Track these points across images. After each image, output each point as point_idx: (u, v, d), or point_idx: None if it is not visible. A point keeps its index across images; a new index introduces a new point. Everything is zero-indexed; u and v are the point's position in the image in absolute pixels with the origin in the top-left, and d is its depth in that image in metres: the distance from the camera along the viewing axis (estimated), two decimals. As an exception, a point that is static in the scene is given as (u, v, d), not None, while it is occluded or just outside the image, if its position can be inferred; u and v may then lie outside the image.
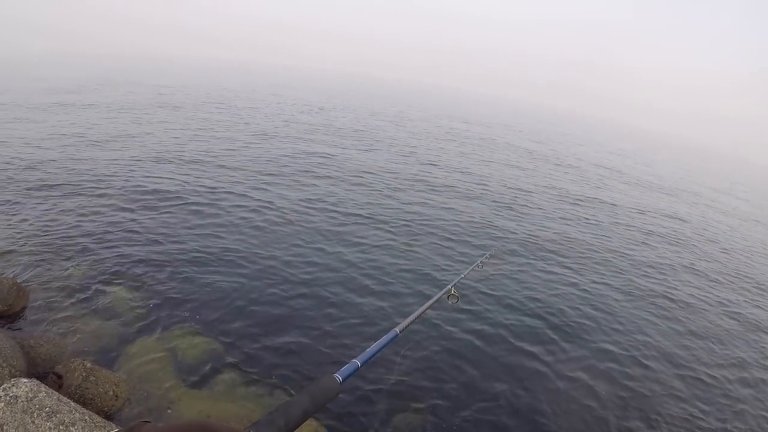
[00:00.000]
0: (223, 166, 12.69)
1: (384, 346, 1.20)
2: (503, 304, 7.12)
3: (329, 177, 13.09)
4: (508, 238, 10.14)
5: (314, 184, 12.13)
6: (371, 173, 14.31)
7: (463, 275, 2.95)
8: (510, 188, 15.47)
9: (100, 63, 59.01)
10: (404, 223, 10.09)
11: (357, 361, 1.02)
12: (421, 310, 1.68)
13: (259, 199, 10.21)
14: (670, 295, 8.74)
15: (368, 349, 1.12)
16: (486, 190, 14.61)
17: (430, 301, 1.86)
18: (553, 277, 8.43)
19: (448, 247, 9.00)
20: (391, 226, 9.74)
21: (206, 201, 9.62)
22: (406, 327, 1.46)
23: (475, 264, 3.69)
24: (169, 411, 4.31)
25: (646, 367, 6.28)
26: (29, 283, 5.86)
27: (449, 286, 2.31)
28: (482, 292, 7.30)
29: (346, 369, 0.97)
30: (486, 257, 4.32)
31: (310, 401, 0.80)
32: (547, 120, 76.27)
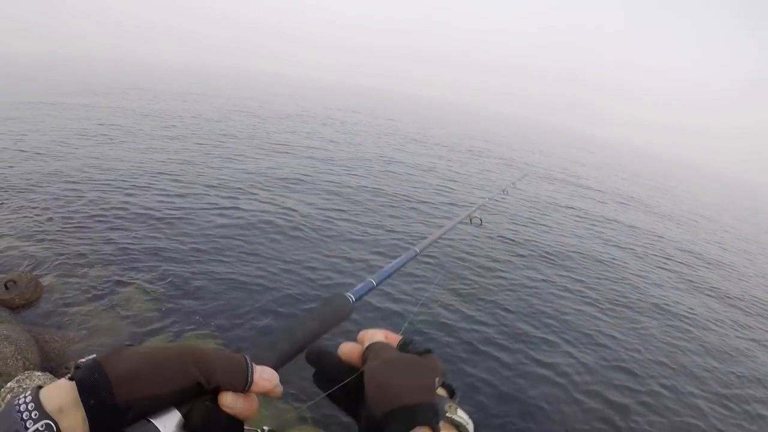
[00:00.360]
0: (249, 173, 12.79)
1: (402, 265, 1.11)
2: (521, 317, 6.99)
3: (350, 187, 13.11)
4: (525, 255, 10.00)
5: (337, 194, 12.15)
6: (392, 186, 14.32)
7: (488, 198, 2.79)
8: (531, 207, 15.33)
9: (106, 67, 60.37)
10: (423, 235, 10.02)
11: (372, 280, 0.93)
12: (441, 231, 1.58)
13: (283, 206, 10.22)
14: (688, 319, 8.54)
15: (385, 269, 1.03)
16: (505, 207, 14.48)
17: (452, 223, 1.74)
18: (571, 295, 8.27)
19: (471, 256, 8.92)
20: (413, 238, 9.71)
21: (230, 205, 9.67)
22: (426, 247, 1.37)
23: (501, 190, 3.63)
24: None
25: (666, 385, 6.14)
26: (48, 279, 5.89)
27: (474, 208, 2.18)
28: (501, 306, 7.16)
29: (360, 288, 0.87)
30: (512, 184, 4.24)
31: (318, 321, 0.72)
32: (556, 140, 76.17)
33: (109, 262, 6.58)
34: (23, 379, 3.13)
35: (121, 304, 5.68)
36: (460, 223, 1.93)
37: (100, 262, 6.54)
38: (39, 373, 3.24)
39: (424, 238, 1.47)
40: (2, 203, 8.07)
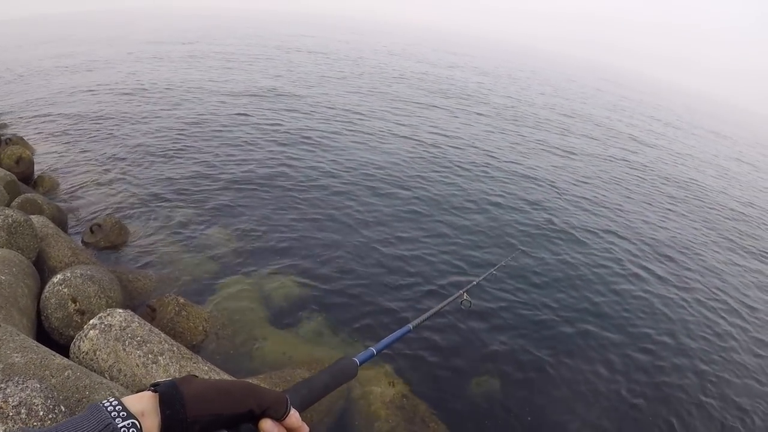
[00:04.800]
0: (347, 122, 12.57)
1: (397, 338, 1.34)
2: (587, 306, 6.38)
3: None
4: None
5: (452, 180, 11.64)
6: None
7: (475, 282, 2.87)
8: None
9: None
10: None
11: (373, 349, 1.14)
12: (433, 310, 1.76)
13: (352, 159, 10.00)
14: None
15: (383, 340, 1.25)
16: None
17: (443, 304, 1.94)
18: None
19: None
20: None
21: (319, 160, 9.51)
22: (419, 324, 1.55)
23: (492, 269, 3.61)
24: (255, 347, 4.32)
25: None
26: (132, 222, 6.18)
27: (461, 292, 2.34)
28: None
29: (363, 354, 1.09)
30: (504, 263, 4.26)
31: (330, 378, 0.88)
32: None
33: (191, 206, 6.80)
34: (105, 316, 3.22)
35: (201, 245, 5.86)
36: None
37: (181, 206, 6.78)
38: (120, 311, 3.33)
39: (420, 314, 1.64)
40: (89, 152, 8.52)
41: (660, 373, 5.03)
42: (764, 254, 8.94)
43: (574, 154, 13.29)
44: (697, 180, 13.82)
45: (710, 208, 11.15)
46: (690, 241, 8.58)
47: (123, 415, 0.51)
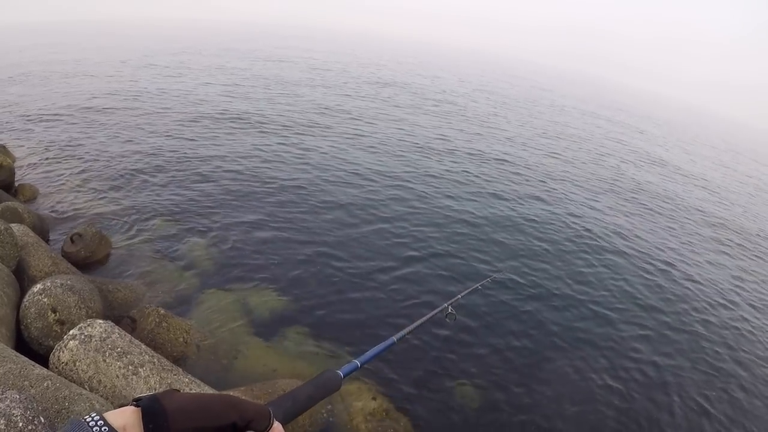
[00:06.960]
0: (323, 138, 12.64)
1: (381, 351, 1.34)
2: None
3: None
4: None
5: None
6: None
7: (460, 296, 2.91)
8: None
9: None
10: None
11: (357, 362, 1.16)
12: (418, 323, 1.80)
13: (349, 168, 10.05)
14: None
15: (368, 353, 1.26)
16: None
17: (428, 316, 1.96)
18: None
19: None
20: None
21: (302, 178, 9.59)
22: (402, 337, 1.57)
23: (477, 284, 3.70)
24: (237, 359, 4.31)
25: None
26: (113, 232, 6.13)
27: (446, 305, 2.38)
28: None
29: (347, 366, 1.10)
30: (489, 280, 4.38)
31: (314, 390, 0.89)
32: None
33: (173, 219, 6.77)
34: (85, 327, 3.21)
35: (184, 258, 5.84)
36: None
37: (165, 219, 6.74)
38: (101, 321, 3.31)
39: (403, 328, 1.67)
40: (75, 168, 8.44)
41: (645, 391, 5.09)
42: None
43: (574, 175, 13.53)
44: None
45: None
46: (688, 250, 8.80)
47: (105, 430, 0.51)
